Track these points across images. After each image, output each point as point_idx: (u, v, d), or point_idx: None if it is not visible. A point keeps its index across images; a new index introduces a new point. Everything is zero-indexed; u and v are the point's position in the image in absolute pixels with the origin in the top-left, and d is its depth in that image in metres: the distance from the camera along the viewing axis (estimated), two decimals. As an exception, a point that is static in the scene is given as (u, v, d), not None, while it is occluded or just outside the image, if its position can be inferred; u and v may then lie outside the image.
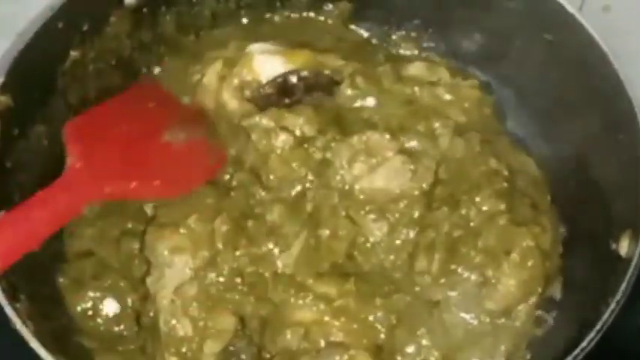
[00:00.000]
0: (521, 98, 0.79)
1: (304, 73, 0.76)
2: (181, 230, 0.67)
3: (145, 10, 0.76)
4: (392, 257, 0.69)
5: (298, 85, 0.76)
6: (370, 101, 0.76)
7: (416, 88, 0.76)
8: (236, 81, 0.76)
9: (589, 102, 0.71)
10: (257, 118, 0.72)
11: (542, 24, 0.73)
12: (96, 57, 0.74)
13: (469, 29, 0.80)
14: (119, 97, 0.75)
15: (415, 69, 0.78)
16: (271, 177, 0.71)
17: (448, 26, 0.81)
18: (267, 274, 0.67)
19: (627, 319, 0.63)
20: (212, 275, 0.66)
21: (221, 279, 0.66)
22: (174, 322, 0.65)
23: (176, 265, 0.66)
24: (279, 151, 0.71)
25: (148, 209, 0.71)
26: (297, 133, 0.72)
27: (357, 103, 0.76)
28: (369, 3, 0.82)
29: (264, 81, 0.76)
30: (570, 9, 0.70)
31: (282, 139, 0.71)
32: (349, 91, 0.75)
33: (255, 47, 0.78)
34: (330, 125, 0.73)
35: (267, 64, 0.77)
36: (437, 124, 0.74)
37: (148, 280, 0.67)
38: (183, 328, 0.65)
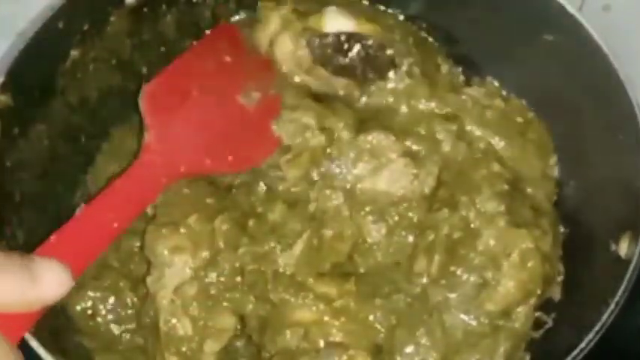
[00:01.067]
0: (520, 99, 0.79)
1: (369, 41, 0.75)
2: (181, 230, 0.67)
3: (145, 9, 0.76)
4: (389, 259, 0.69)
5: (359, 51, 0.75)
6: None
7: (468, 104, 0.76)
8: (300, 26, 0.75)
9: (589, 102, 0.71)
10: (297, 114, 0.71)
11: (542, 24, 0.73)
12: (96, 57, 0.74)
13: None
14: (195, 49, 0.73)
15: (474, 90, 0.77)
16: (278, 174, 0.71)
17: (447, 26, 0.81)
18: (268, 274, 0.67)
19: (627, 320, 0.63)
20: (212, 275, 0.66)
21: (222, 278, 0.66)
22: (174, 321, 0.65)
23: (176, 265, 0.66)
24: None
25: (148, 208, 0.71)
26: (335, 135, 0.71)
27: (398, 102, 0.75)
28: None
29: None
30: (570, 9, 0.70)
31: (318, 140, 0.71)
32: (401, 83, 0.75)
33: (330, 7, 0.76)
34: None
35: (337, 20, 0.75)
36: (438, 128, 0.74)
37: (148, 280, 0.66)
38: (183, 327, 0.65)
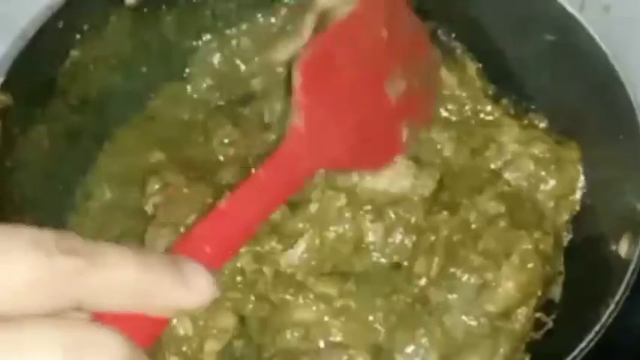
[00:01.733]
0: (520, 99, 0.79)
1: None
2: (181, 230, 0.67)
3: (145, 9, 0.76)
4: (387, 260, 0.69)
5: None
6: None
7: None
8: None
9: (589, 102, 0.71)
10: None
11: (542, 25, 0.73)
12: (96, 57, 0.74)
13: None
14: (353, 13, 0.61)
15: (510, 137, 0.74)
16: None
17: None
18: (268, 274, 0.67)
19: (627, 319, 0.63)
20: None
21: (222, 278, 0.66)
22: (174, 321, 0.65)
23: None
24: None
25: (148, 208, 0.71)
26: None
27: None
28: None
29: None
30: (571, 10, 0.70)
31: None
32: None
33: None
34: None
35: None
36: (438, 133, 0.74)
37: None
38: (183, 327, 0.65)
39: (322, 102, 0.58)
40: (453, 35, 0.79)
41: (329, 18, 0.74)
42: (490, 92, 0.78)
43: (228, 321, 0.66)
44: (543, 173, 0.73)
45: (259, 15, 0.82)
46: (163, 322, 0.46)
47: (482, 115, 0.76)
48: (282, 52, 0.80)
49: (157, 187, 0.71)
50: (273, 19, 0.83)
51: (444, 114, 0.75)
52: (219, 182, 0.71)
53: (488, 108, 0.76)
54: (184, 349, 0.65)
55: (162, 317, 0.44)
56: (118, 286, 0.39)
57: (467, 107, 0.76)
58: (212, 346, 0.65)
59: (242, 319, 0.67)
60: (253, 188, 0.55)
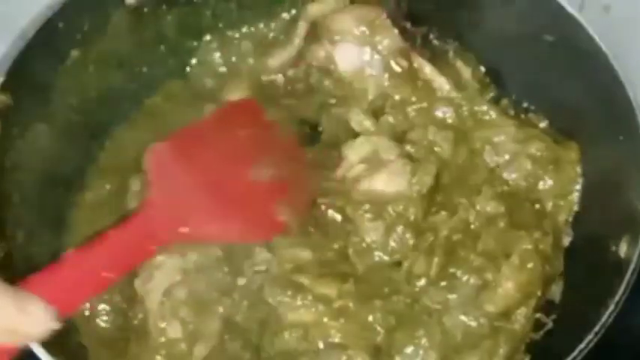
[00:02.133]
0: (520, 99, 0.79)
1: None
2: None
3: (145, 9, 0.76)
4: (387, 259, 0.69)
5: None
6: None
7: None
8: None
9: (589, 102, 0.71)
10: None
11: (542, 25, 0.73)
12: (96, 57, 0.74)
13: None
14: (211, 118, 0.72)
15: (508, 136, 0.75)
16: None
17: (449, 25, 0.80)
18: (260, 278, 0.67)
19: (627, 319, 0.63)
20: (202, 278, 0.66)
21: (211, 282, 0.66)
22: (164, 324, 0.65)
23: (165, 268, 0.65)
24: None
25: (132, 206, 0.70)
26: None
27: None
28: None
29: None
30: (570, 10, 0.70)
31: None
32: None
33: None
34: None
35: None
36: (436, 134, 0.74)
37: (136, 282, 0.66)
38: (173, 330, 0.65)
39: (178, 183, 0.65)
40: (444, 36, 0.80)
41: (320, 26, 0.75)
42: (492, 93, 0.78)
43: (215, 325, 0.66)
44: (541, 172, 0.73)
45: (261, 21, 0.83)
46: (7, 353, 0.49)
47: (479, 116, 0.75)
48: (276, 59, 0.80)
49: (139, 184, 0.71)
50: (273, 25, 0.83)
51: (440, 116, 0.75)
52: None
53: (484, 108, 0.75)
54: (173, 352, 0.65)
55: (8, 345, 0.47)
56: None
57: (463, 109, 0.75)
58: (200, 350, 0.65)
59: (234, 322, 0.67)
60: (100, 247, 0.59)
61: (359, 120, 0.74)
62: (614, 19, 0.67)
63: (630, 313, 0.62)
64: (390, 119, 0.74)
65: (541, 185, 0.73)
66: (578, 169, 0.73)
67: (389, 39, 0.75)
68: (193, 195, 0.65)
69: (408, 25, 0.77)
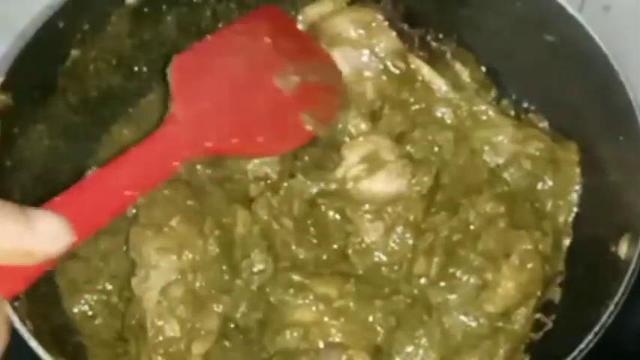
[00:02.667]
0: (520, 99, 0.79)
1: None
2: (165, 230, 0.66)
3: (146, 9, 0.76)
4: (387, 259, 0.69)
5: None
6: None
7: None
8: None
9: (589, 103, 0.71)
10: None
11: (542, 25, 0.73)
12: (96, 56, 0.74)
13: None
14: (233, 26, 0.70)
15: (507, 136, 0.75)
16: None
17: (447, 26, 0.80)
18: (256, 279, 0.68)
19: (627, 320, 0.63)
20: (199, 277, 0.66)
21: (209, 281, 0.66)
22: (161, 323, 0.65)
23: (162, 266, 0.65)
24: None
25: (129, 209, 0.70)
26: None
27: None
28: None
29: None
30: (571, 10, 0.70)
31: None
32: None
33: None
34: None
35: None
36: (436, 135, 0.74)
37: (133, 281, 0.66)
38: (171, 329, 0.65)
39: (201, 94, 0.63)
40: (441, 37, 0.80)
41: (317, 29, 0.75)
42: (493, 94, 0.79)
43: (213, 322, 0.66)
44: (541, 173, 0.73)
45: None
46: (27, 274, 0.47)
47: (477, 117, 0.76)
48: None
49: None
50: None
51: (439, 116, 0.75)
52: (198, 183, 0.70)
53: (483, 108, 0.76)
54: (171, 350, 0.65)
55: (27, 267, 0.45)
56: None
57: (462, 109, 0.76)
58: (198, 348, 0.65)
59: (235, 321, 0.67)
60: (123, 164, 0.57)
61: (356, 123, 0.74)
62: (614, 19, 0.67)
63: (630, 313, 0.63)
64: (389, 120, 0.74)
65: (540, 185, 0.73)
66: (578, 170, 0.73)
67: (386, 41, 0.75)
68: (217, 107, 0.64)
69: (406, 27, 0.78)
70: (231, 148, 0.65)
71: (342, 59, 0.75)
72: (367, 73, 0.75)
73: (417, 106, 0.76)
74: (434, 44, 0.80)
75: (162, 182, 0.62)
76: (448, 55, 0.79)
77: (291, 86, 0.68)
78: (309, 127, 0.68)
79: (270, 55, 0.69)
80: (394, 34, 0.76)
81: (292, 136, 0.68)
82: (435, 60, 0.78)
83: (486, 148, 0.74)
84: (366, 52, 0.75)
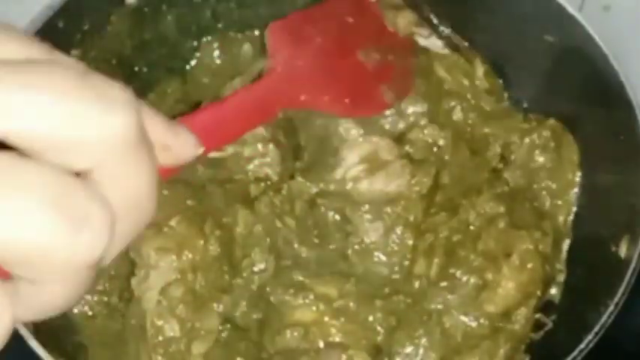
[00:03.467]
0: (520, 99, 0.79)
1: None
2: (165, 230, 0.66)
3: (146, 9, 0.76)
4: (387, 259, 0.69)
5: None
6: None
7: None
8: None
9: (589, 103, 0.71)
10: None
11: (542, 25, 0.73)
12: (97, 56, 0.74)
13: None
14: (320, 7, 0.75)
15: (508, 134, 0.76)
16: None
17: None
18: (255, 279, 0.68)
19: (627, 320, 0.63)
20: (199, 276, 0.66)
21: (208, 280, 0.66)
22: (161, 323, 0.65)
23: (161, 266, 0.65)
24: None
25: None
26: None
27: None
28: None
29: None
30: (571, 10, 0.70)
31: None
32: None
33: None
34: None
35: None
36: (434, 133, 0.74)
37: (133, 281, 0.66)
38: (171, 328, 0.65)
39: (296, 55, 0.69)
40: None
41: None
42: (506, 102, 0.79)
43: (214, 322, 0.66)
44: (540, 172, 0.74)
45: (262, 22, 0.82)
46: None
47: (482, 113, 0.76)
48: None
49: None
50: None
51: (446, 108, 0.76)
52: (197, 183, 0.70)
53: (488, 107, 0.76)
54: (171, 350, 0.65)
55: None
56: None
57: (470, 102, 0.76)
58: (199, 348, 0.65)
59: (233, 321, 0.67)
60: (229, 103, 0.60)
61: (347, 127, 0.74)
62: (614, 18, 0.67)
63: (630, 314, 0.63)
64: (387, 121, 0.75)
65: (540, 185, 0.73)
66: (578, 170, 0.73)
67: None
68: (310, 67, 0.69)
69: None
70: (321, 105, 0.70)
71: None
72: None
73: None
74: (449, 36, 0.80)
75: (262, 123, 0.67)
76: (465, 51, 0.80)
77: (373, 62, 0.74)
78: (387, 99, 0.73)
79: (353, 33, 0.75)
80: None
81: (374, 103, 0.73)
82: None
83: (488, 146, 0.74)
84: None
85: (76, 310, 0.69)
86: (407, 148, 0.73)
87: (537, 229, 0.69)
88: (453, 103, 0.76)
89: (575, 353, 0.59)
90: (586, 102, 0.71)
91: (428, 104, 0.75)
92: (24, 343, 0.58)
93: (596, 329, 0.60)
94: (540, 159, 0.74)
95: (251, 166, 0.71)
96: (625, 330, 0.68)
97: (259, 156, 0.71)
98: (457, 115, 0.76)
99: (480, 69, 0.78)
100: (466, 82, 0.77)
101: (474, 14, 0.77)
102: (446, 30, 0.79)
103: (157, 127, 0.41)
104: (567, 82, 0.73)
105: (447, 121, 0.75)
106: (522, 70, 0.77)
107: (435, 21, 0.79)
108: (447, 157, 0.73)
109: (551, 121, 0.74)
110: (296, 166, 0.72)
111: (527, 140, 0.74)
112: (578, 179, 0.73)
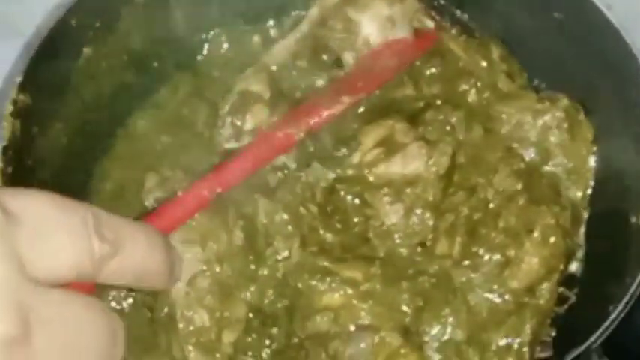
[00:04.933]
0: (531, 77, 0.79)
1: None
2: (188, 222, 0.66)
3: (155, 6, 0.76)
4: (408, 240, 0.70)
5: None
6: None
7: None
8: None
9: (602, 78, 0.72)
10: None
11: (550, 3, 0.73)
12: (108, 53, 0.75)
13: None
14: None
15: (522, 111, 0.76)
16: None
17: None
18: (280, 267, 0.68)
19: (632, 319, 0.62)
20: (225, 266, 0.66)
21: (234, 270, 0.67)
22: (190, 313, 0.65)
23: (187, 258, 0.65)
24: None
25: (149, 204, 0.71)
26: None
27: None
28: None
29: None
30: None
31: None
32: None
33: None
34: None
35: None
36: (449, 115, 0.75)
37: None
38: (200, 318, 0.65)
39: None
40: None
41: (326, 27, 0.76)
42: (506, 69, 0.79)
43: (241, 311, 0.66)
44: (556, 148, 0.74)
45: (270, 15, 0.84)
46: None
47: (497, 91, 0.76)
48: (281, 44, 0.80)
49: (155, 181, 0.71)
50: (284, 18, 0.84)
51: (460, 90, 0.76)
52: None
53: (501, 84, 0.76)
54: (203, 339, 0.65)
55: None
56: (129, 270, 0.45)
57: (484, 81, 0.76)
58: (229, 336, 0.66)
59: (260, 308, 0.68)
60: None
61: None
62: (615, 18, 0.68)
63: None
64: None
65: (556, 161, 0.74)
66: (592, 145, 0.74)
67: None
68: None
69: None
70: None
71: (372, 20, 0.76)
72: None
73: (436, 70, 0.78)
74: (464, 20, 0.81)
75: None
76: (477, 34, 0.81)
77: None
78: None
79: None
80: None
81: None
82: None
83: (503, 124, 0.75)
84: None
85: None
86: (421, 129, 0.73)
87: (556, 204, 0.70)
88: (466, 86, 0.76)
89: (607, 323, 0.59)
90: (599, 77, 0.72)
91: (443, 85, 0.76)
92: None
93: (625, 299, 0.61)
94: (553, 139, 0.74)
95: None
96: (628, 329, 0.67)
97: None
98: (472, 96, 0.76)
99: (495, 52, 0.78)
100: (484, 63, 0.77)
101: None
102: (460, 14, 0.80)
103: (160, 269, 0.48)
104: (578, 57, 0.73)
105: (461, 101, 0.76)
106: (532, 49, 0.78)
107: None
108: (460, 137, 0.74)
109: (565, 101, 0.75)
110: (312, 154, 0.73)
111: (540, 122, 0.74)
112: (592, 155, 0.74)
